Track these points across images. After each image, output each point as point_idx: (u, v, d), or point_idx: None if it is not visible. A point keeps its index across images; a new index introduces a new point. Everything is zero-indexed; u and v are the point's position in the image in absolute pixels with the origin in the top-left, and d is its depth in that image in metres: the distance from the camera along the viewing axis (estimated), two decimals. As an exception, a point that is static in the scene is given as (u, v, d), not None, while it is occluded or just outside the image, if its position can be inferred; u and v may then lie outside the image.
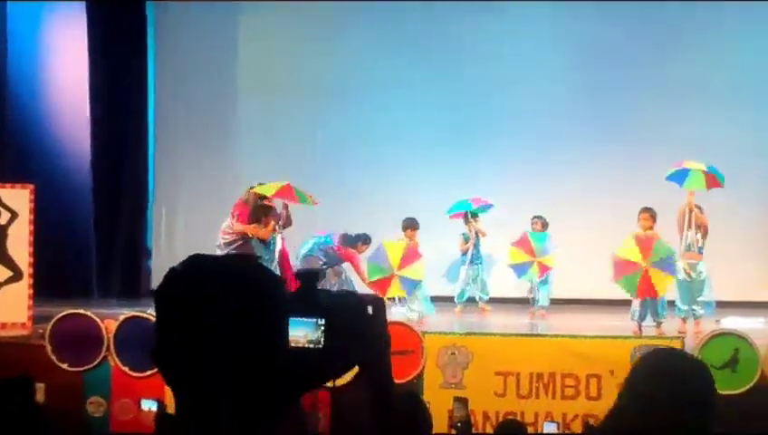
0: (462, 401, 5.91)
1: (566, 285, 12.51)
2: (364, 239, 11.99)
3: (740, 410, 8.73)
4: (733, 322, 11.15)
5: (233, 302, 1.83)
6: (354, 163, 14.02)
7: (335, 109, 14.08)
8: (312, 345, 2.00)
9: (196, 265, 1.89)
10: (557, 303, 12.37)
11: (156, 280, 13.91)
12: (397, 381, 8.70)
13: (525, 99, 13.67)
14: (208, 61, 14.29)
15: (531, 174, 13.54)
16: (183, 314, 1.83)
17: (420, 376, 9.25)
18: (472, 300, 12.57)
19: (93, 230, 13.58)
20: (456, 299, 12.48)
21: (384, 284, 11.07)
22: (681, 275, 10.56)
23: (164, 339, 1.86)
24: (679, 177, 10.72)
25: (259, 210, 11.27)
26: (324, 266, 11.75)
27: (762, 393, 8.98)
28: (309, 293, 2.09)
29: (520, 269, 11.95)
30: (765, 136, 13.41)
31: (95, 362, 9.62)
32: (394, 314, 10.78)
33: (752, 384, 9.00)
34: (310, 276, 2.13)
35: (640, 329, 10.43)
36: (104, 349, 9.61)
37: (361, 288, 11.56)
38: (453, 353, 9.36)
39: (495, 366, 9.32)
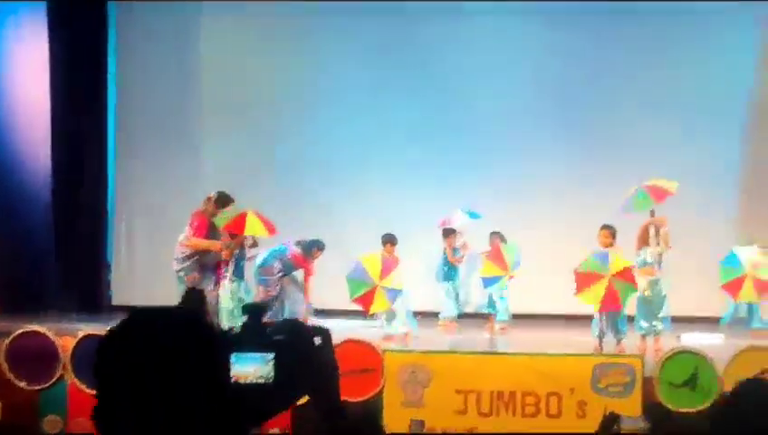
0: (418, 423, 5.88)
1: (527, 299, 12.51)
2: (318, 245, 11.98)
3: (700, 429, 8.81)
4: (693, 338, 11.21)
5: (171, 356, 1.81)
6: (324, 171, 13.91)
7: (305, 114, 13.99)
8: (262, 380, 2.02)
9: (135, 323, 1.88)
10: (517, 318, 12.37)
11: (116, 294, 13.94)
12: (357, 399, 8.71)
13: (496, 112, 13.67)
14: (171, 63, 14.14)
15: (494, 187, 13.51)
16: (124, 372, 1.82)
17: (380, 395, 9.22)
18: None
19: (53, 244, 13.41)
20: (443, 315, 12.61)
21: (368, 297, 11.02)
22: (640, 292, 10.59)
23: (106, 398, 1.83)
24: (627, 205, 10.78)
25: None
26: (281, 274, 11.70)
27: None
28: (255, 327, 2.10)
29: (490, 281, 12.01)
30: (731, 150, 13.50)
31: (52, 381, 9.52)
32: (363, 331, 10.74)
33: (711, 402, 9.03)
34: (255, 311, 2.14)
35: (601, 346, 10.46)
36: (60, 367, 9.51)
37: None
38: (413, 372, 9.32)
39: (456, 384, 9.30)
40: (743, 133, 13.58)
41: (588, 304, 10.44)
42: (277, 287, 11.68)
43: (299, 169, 13.90)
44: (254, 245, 11.56)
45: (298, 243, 11.88)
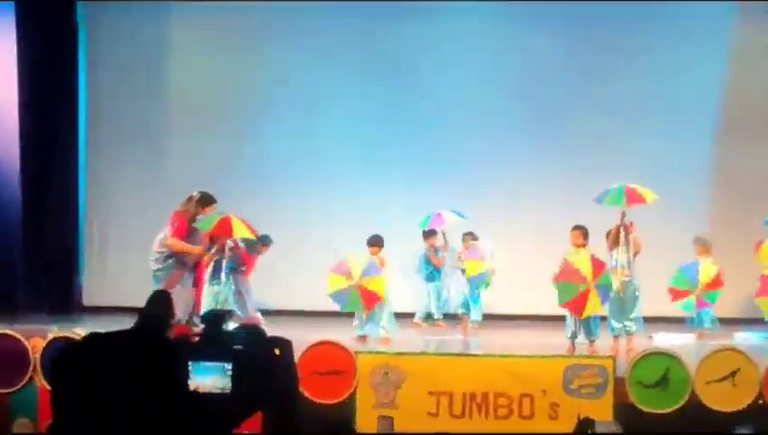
0: (387, 420, 5.81)
1: (500, 300, 12.54)
2: (264, 241, 11.97)
3: (671, 429, 8.84)
4: (665, 338, 11.26)
5: (128, 376, 1.77)
6: (296, 172, 13.86)
7: (273, 115, 13.94)
8: (220, 391, 1.97)
9: (92, 343, 1.85)
10: (490, 318, 12.38)
11: (87, 295, 13.84)
12: (330, 401, 8.63)
13: (473, 113, 13.70)
14: (141, 64, 14.04)
15: (469, 188, 13.49)
16: (80, 389, 1.78)
17: (353, 396, 9.17)
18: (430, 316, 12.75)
19: (22, 245, 13.30)
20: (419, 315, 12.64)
21: (346, 294, 10.96)
22: (613, 293, 10.62)
23: (61, 416, 1.79)
24: (600, 197, 10.81)
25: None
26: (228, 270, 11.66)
27: (692, 412, 9.04)
28: (215, 336, 2.05)
29: (476, 279, 12.17)
30: (704, 151, 13.56)
31: (22, 384, 9.42)
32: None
33: (682, 403, 9.06)
34: (215, 320, 2.10)
35: (573, 347, 10.47)
36: (31, 369, 9.42)
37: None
38: (386, 373, 9.28)
39: (429, 386, 9.26)
40: (716, 134, 13.65)
41: (558, 295, 10.49)
42: (231, 284, 11.59)
43: (269, 170, 13.86)
44: (236, 248, 11.48)
45: (243, 239, 11.79)
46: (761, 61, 13.60)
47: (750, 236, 12.27)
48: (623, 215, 10.74)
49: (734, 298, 12.22)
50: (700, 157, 13.60)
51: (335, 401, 9.06)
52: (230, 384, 1.99)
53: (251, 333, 2.10)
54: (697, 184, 13.57)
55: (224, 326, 2.10)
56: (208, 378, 1.99)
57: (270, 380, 2.02)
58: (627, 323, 10.76)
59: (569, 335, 10.57)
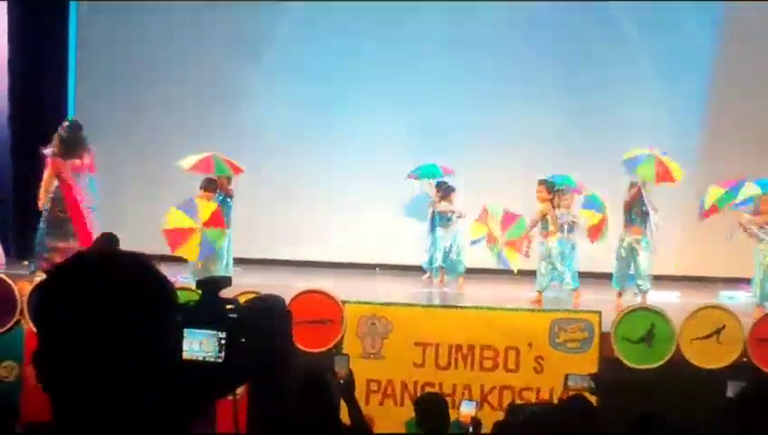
0: (343, 358, 5.79)
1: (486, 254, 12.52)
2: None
3: (655, 384, 8.91)
4: (652, 295, 11.31)
5: (118, 307, 1.71)
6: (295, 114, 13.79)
7: (263, 66, 13.87)
8: (211, 359, 1.93)
9: (82, 266, 1.78)
10: (476, 272, 12.36)
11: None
12: (316, 349, 8.58)
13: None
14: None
15: (463, 141, 13.44)
16: (67, 317, 1.71)
17: (339, 345, 9.22)
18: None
19: (12, 192, 13.26)
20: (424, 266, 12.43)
21: (184, 235, 10.38)
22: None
23: (46, 343, 1.73)
24: (632, 165, 10.75)
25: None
26: None
27: (676, 368, 9.12)
28: (210, 303, 2.00)
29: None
30: (683, 120, 13.53)
31: (8, 326, 9.41)
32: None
33: (667, 359, 9.13)
34: (212, 285, 2.04)
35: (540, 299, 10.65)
36: (17, 312, 9.40)
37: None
38: (373, 323, 9.34)
39: (415, 337, 9.32)
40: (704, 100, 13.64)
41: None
42: None
43: (258, 120, 13.77)
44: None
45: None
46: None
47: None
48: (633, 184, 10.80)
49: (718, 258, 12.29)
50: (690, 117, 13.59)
51: (321, 349, 9.08)
52: (222, 352, 1.95)
53: (248, 302, 2.05)
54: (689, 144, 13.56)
55: (220, 292, 2.05)
56: (199, 343, 1.95)
57: (263, 352, 1.98)
58: (639, 281, 10.82)
59: (542, 286, 10.68)
